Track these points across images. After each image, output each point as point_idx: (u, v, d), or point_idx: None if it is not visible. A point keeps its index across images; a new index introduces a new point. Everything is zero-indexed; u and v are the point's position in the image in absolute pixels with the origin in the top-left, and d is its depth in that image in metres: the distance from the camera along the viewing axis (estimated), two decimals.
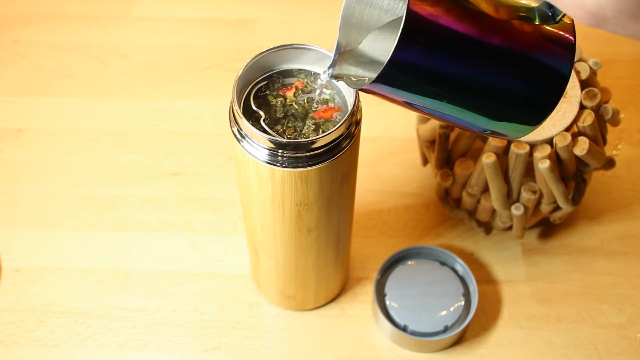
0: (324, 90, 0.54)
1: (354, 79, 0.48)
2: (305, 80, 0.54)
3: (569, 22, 0.43)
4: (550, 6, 0.43)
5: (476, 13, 0.41)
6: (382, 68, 0.40)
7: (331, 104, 0.53)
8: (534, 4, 0.43)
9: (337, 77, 0.48)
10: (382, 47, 0.47)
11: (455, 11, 0.40)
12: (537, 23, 0.42)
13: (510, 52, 0.42)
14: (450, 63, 0.41)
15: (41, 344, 0.69)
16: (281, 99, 0.53)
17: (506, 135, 0.47)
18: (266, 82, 0.54)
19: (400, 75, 0.41)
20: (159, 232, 0.76)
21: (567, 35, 0.43)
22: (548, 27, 0.43)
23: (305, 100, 0.53)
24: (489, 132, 0.46)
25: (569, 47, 0.43)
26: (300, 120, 0.53)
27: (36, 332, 0.70)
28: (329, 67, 0.48)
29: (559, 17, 0.43)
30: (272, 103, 0.53)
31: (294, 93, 0.54)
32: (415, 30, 0.39)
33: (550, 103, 0.44)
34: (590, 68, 0.67)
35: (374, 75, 0.41)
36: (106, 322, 0.71)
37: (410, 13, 0.39)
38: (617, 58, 0.88)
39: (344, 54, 0.48)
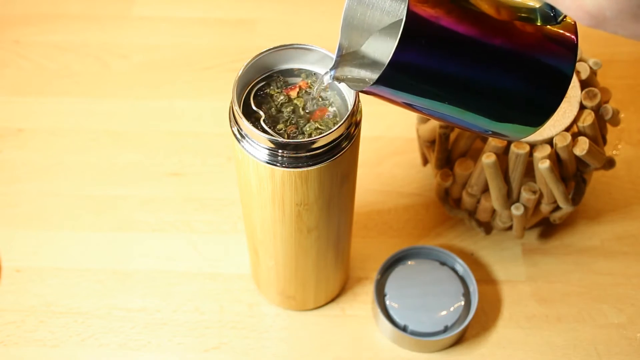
0: (322, 93, 0.54)
1: (355, 81, 0.48)
2: (309, 81, 0.54)
3: (571, 22, 0.43)
4: (552, 7, 0.43)
5: (477, 14, 0.41)
6: (382, 69, 0.40)
7: (329, 107, 0.53)
8: (535, 5, 0.43)
9: (339, 79, 0.48)
10: (384, 49, 0.47)
11: (456, 12, 0.40)
12: (538, 24, 0.42)
13: (512, 53, 0.42)
14: (451, 64, 0.41)
15: (41, 344, 0.69)
16: (284, 96, 0.53)
17: (508, 136, 0.47)
18: (266, 82, 0.54)
19: (401, 77, 0.41)
20: (159, 232, 0.76)
21: (570, 35, 0.43)
22: (550, 28, 0.43)
23: (308, 101, 0.53)
24: (490, 132, 0.46)
25: (571, 47, 0.43)
26: (303, 118, 0.53)
27: (36, 332, 0.70)
28: (330, 69, 0.48)
29: (561, 18, 0.43)
30: (275, 101, 0.53)
31: (298, 92, 0.54)
32: (415, 32, 0.39)
33: (552, 103, 0.44)
34: (590, 68, 0.67)
35: (375, 77, 0.41)
36: (106, 322, 0.71)
37: (410, 14, 0.39)
38: (617, 58, 0.88)
39: (346, 55, 0.48)
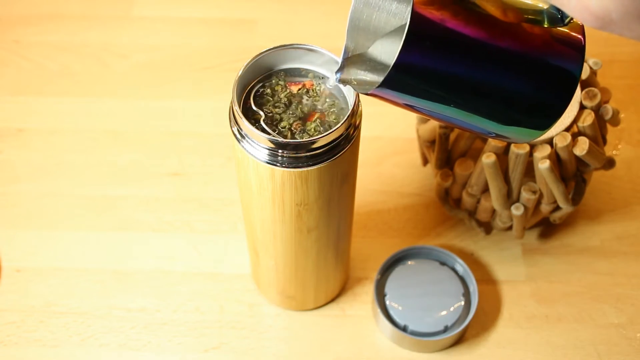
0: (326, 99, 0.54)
1: (361, 84, 0.47)
2: (315, 82, 0.54)
3: (578, 23, 0.43)
4: (558, 9, 0.42)
5: (483, 16, 0.40)
6: (387, 72, 0.40)
7: (333, 109, 0.53)
8: (542, 6, 0.42)
9: (344, 81, 0.47)
10: (390, 51, 0.47)
11: (461, 14, 0.40)
12: (545, 25, 0.42)
13: (519, 55, 0.41)
14: (456, 67, 0.41)
15: (41, 344, 0.69)
16: (288, 91, 0.53)
17: (513, 139, 0.47)
18: (267, 81, 0.54)
19: (406, 80, 0.41)
20: (159, 232, 0.76)
21: (577, 36, 0.43)
22: (557, 29, 0.42)
23: (311, 99, 0.53)
24: (494, 135, 0.46)
25: (579, 49, 0.43)
26: (306, 116, 0.53)
27: (36, 332, 0.70)
28: (336, 72, 0.47)
29: (568, 19, 0.43)
30: (277, 98, 0.53)
31: (299, 89, 0.54)
32: (420, 34, 0.39)
33: (560, 106, 0.44)
34: (590, 68, 0.67)
35: (381, 80, 0.41)
36: (106, 322, 0.71)
37: (415, 16, 0.38)
38: (617, 58, 0.88)
39: (352, 58, 0.47)
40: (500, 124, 0.44)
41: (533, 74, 0.42)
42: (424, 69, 0.40)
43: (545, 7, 0.42)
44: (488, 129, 0.45)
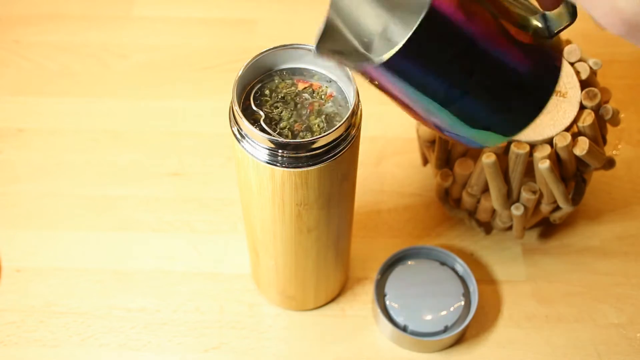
0: (326, 104, 0.53)
1: (341, 60, 0.46)
2: (321, 85, 0.54)
3: (561, 41, 0.43)
4: (546, 21, 0.42)
5: (484, 18, 0.40)
6: (390, 57, 0.39)
7: (332, 109, 0.53)
8: (530, 16, 0.42)
9: (323, 54, 0.45)
10: (376, 27, 0.46)
11: (472, 7, 0.39)
12: (530, 35, 0.42)
13: (503, 59, 0.41)
14: (451, 63, 0.41)
15: (41, 344, 0.69)
16: (291, 89, 0.53)
17: (481, 143, 0.46)
18: (267, 82, 0.54)
19: (404, 65, 0.40)
20: (159, 232, 0.76)
21: (557, 54, 0.43)
22: (541, 42, 0.42)
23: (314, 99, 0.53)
24: (454, 135, 0.45)
25: (556, 66, 0.43)
26: (307, 115, 0.53)
27: (36, 332, 0.70)
28: (316, 44, 0.46)
29: (554, 33, 0.43)
30: (279, 97, 0.53)
31: (305, 88, 0.53)
32: (432, 22, 0.38)
33: (526, 118, 0.43)
34: (590, 68, 0.67)
35: (362, 62, 0.40)
36: (106, 322, 0.71)
37: (431, 9, 0.38)
38: (617, 58, 0.88)
39: (334, 32, 0.46)
40: (470, 127, 0.44)
41: (509, 81, 0.42)
42: (423, 58, 0.40)
43: (532, 16, 0.42)
44: (456, 131, 0.44)
